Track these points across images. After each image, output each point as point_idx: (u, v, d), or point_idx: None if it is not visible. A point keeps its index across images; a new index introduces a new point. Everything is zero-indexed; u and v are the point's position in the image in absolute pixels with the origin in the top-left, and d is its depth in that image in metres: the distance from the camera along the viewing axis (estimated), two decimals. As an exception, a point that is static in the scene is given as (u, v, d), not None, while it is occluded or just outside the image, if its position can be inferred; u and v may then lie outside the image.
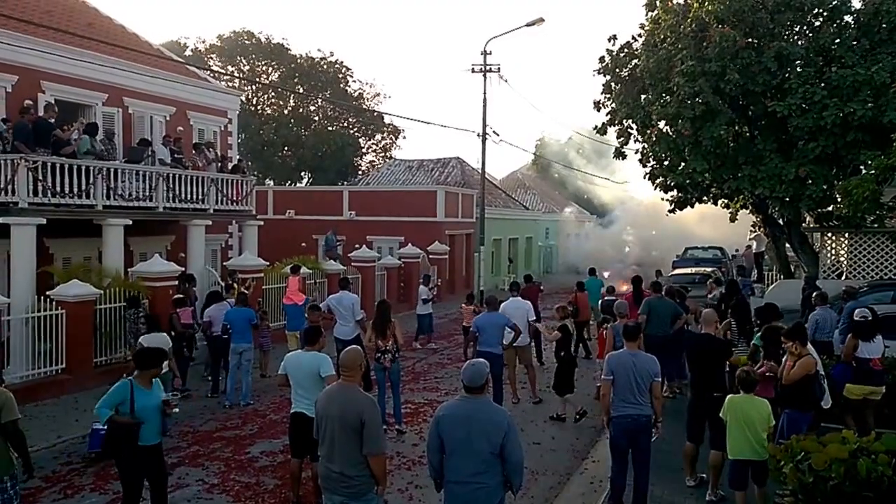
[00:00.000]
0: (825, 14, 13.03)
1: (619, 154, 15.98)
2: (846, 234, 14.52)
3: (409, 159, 32.34)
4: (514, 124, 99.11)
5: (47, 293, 10.35)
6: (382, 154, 40.65)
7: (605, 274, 18.26)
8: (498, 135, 27.45)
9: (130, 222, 12.54)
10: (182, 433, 8.38)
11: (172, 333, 10.03)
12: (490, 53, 22.81)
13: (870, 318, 6.91)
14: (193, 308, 10.72)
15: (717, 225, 21.25)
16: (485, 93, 22.58)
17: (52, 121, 11.84)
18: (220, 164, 15.39)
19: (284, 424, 7.89)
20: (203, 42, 36.46)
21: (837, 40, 12.70)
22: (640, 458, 5.63)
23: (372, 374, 8.44)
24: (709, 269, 17.61)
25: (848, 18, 12.95)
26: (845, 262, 14.61)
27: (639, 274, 13.30)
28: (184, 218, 13.98)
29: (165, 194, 13.10)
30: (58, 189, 11.15)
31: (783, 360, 6.10)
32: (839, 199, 12.78)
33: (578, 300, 13.06)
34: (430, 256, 21.46)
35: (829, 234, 15.26)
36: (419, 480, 6.69)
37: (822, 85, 12.25)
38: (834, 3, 12.77)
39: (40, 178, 10.90)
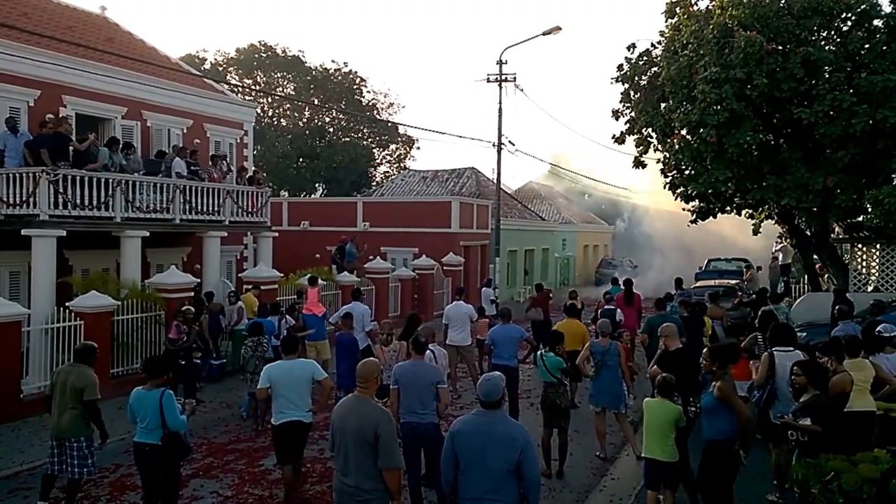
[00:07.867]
0: (853, 18, 12.63)
1: (638, 164, 15.73)
2: (877, 246, 14.07)
3: (423, 170, 32.27)
4: (529, 133, 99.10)
5: (66, 304, 10.42)
6: (396, 165, 40.86)
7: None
8: (514, 144, 27.37)
9: (148, 234, 12.65)
10: (196, 445, 8.32)
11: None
12: (506, 63, 22.73)
13: (893, 335, 6.66)
14: (177, 322, 10.12)
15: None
16: (500, 102, 22.57)
17: (66, 132, 11.99)
18: (236, 176, 15.50)
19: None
20: (223, 55, 37.12)
21: (867, 45, 12.34)
22: (429, 458, 6.17)
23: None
24: (732, 282, 17.21)
25: (877, 23, 12.57)
26: (876, 275, 14.14)
27: (630, 277, 13.08)
28: (200, 229, 14.08)
29: (182, 206, 13.20)
30: (78, 201, 11.28)
31: None
32: (869, 209, 12.36)
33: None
34: (445, 268, 21.27)
35: (860, 246, 14.78)
36: (434, 496, 6.52)
37: (851, 91, 11.88)
38: (863, 7, 12.36)
39: (61, 190, 11.04)
